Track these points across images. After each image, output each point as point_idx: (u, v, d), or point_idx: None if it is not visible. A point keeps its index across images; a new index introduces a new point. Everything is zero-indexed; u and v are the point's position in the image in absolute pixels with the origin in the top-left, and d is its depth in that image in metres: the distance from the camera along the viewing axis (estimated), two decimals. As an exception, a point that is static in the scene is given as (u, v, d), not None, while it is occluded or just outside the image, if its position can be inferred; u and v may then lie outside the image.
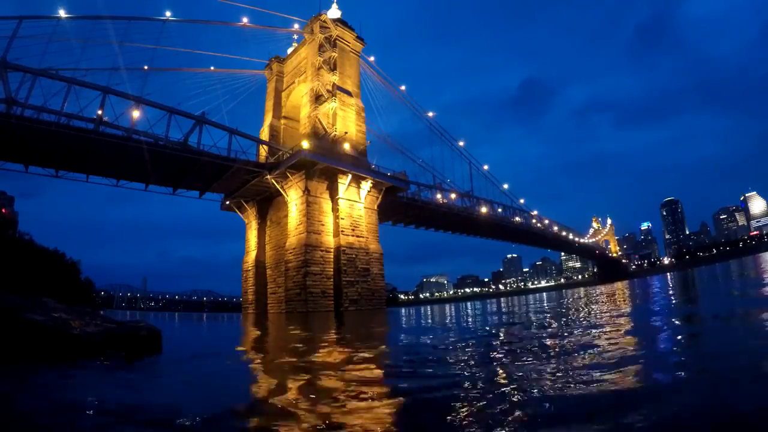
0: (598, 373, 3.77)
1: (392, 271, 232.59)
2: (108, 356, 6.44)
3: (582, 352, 5.10)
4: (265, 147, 43.96)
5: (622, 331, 6.96)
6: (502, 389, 3.59)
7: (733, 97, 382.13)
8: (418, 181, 53.25)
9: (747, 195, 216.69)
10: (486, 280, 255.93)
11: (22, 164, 36.38)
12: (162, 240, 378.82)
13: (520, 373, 4.20)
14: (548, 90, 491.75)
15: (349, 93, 45.89)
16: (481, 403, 3.15)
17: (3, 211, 56.81)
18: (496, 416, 2.78)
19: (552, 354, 5.28)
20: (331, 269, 39.97)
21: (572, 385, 3.49)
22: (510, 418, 2.70)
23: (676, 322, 7.76)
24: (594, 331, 7.35)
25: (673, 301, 13.05)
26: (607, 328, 7.46)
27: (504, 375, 4.30)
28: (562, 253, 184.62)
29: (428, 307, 48.23)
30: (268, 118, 52.14)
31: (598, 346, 5.38)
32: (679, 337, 5.96)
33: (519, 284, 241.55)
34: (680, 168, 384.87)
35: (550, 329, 8.82)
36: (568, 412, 2.81)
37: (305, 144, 40.58)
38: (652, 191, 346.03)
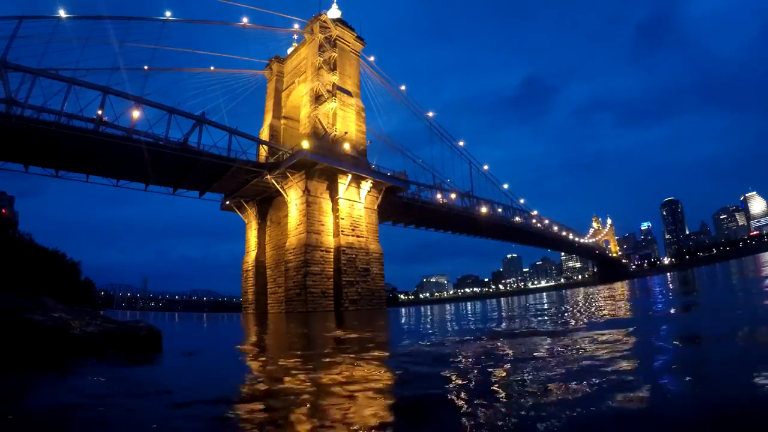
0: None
1: (392, 271, 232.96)
2: (108, 356, 6.44)
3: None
4: (265, 147, 43.98)
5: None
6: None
7: (734, 97, 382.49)
8: (418, 181, 53.34)
9: (747, 195, 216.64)
10: (486, 280, 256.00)
11: (22, 164, 36.37)
12: (161, 240, 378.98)
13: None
14: (549, 89, 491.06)
15: (349, 93, 45.90)
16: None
17: (3, 211, 56.75)
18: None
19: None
20: (331, 269, 39.98)
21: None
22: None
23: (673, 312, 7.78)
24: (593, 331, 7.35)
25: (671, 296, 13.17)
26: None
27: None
28: (562, 253, 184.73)
29: (428, 307, 48.28)
30: (268, 118, 52.16)
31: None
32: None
33: (519, 284, 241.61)
34: (680, 168, 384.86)
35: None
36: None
37: (305, 144, 40.59)
38: (652, 191, 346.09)
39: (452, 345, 7.56)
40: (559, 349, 5.57)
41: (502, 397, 3.31)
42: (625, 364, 4.06)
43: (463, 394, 3.47)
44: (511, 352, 5.84)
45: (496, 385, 3.80)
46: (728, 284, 15.91)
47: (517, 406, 3.01)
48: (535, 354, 5.30)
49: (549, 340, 6.62)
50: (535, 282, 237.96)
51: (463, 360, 5.52)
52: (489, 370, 4.62)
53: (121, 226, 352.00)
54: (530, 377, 3.96)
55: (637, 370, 3.94)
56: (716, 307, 9.16)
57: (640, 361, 4.39)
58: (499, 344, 6.94)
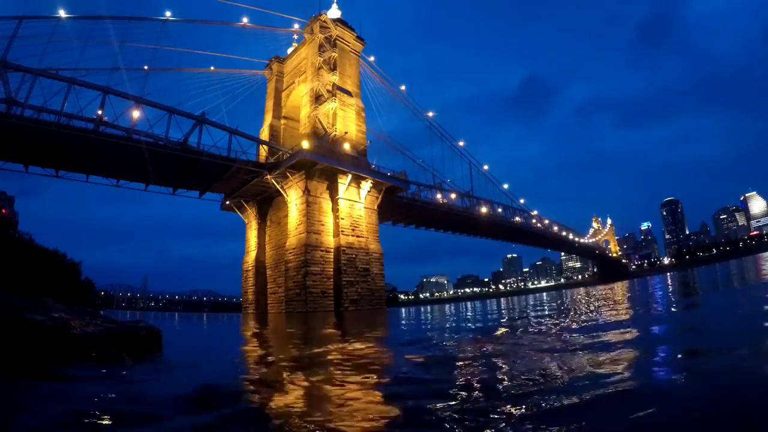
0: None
1: (392, 271, 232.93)
2: (108, 356, 6.44)
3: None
4: (265, 147, 43.99)
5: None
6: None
7: (734, 96, 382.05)
8: (418, 181, 53.32)
9: (747, 195, 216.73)
10: (486, 280, 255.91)
11: (22, 164, 36.36)
12: (161, 240, 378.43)
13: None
14: (549, 88, 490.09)
15: (349, 93, 45.89)
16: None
17: (3, 211, 56.69)
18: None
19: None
20: (331, 269, 39.97)
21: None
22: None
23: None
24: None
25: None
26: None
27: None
28: (562, 253, 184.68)
29: (428, 307, 48.31)
30: (268, 118, 52.15)
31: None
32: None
33: (519, 284, 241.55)
34: (680, 168, 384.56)
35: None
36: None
37: (305, 144, 40.58)
38: (652, 191, 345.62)
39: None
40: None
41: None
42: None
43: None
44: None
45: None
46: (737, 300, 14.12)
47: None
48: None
49: None
50: (535, 282, 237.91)
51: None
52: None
53: (121, 226, 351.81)
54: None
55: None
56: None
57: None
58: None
